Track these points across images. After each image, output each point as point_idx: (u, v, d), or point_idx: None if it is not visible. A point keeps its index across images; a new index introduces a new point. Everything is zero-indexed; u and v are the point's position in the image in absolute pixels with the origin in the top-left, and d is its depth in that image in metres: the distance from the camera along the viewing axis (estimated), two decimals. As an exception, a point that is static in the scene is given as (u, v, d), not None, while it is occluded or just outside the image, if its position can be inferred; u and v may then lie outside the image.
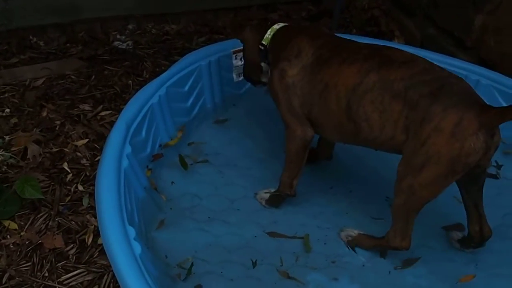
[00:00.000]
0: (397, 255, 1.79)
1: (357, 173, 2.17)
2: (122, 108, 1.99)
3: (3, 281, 1.74)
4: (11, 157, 2.15)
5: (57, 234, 1.90)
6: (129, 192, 1.71)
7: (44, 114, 2.45)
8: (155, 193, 1.94)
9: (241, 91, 2.52)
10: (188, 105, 2.30)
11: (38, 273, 1.78)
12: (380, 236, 1.78)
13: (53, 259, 1.82)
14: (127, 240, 1.47)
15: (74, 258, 1.83)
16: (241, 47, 2.12)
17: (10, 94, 2.56)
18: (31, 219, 1.95)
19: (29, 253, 1.84)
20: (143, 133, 1.99)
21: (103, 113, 2.49)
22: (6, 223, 1.92)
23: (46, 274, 1.78)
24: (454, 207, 1.91)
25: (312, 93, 1.77)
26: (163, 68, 2.77)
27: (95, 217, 1.85)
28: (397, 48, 1.72)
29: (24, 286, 1.74)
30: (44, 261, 1.82)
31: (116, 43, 3.04)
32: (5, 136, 2.28)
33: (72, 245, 1.88)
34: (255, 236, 1.86)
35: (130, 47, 3.01)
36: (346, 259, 1.81)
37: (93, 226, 1.93)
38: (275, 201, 1.97)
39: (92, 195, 2.02)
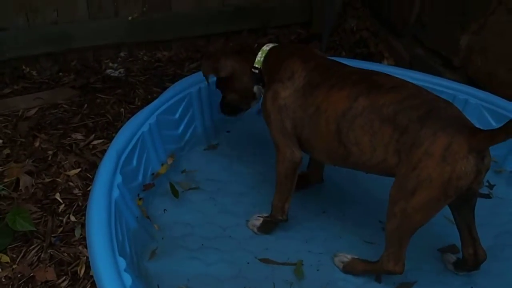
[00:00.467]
0: (392, 279, 1.78)
1: (350, 194, 2.17)
2: (114, 137, 2.00)
3: (-5, 316, 1.73)
4: (3, 188, 2.15)
5: (49, 266, 1.89)
6: (120, 222, 1.70)
7: (37, 144, 2.46)
8: (147, 222, 1.94)
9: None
10: (179, 132, 2.31)
11: (30, 307, 1.77)
12: (374, 260, 1.77)
13: (45, 293, 1.81)
14: (117, 272, 1.47)
15: (66, 291, 1.82)
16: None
17: (3, 124, 2.57)
18: (23, 251, 1.95)
19: (21, 287, 1.83)
20: (134, 162, 1.99)
21: (95, 142, 2.49)
22: (-2, 256, 1.91)
23: (38, 308, 1.76)
24: (446, 227, 1.90)
25: (304, 116, 1.78)
26: (155, 95, 2.78)
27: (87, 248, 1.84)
28: (385, 74, 1.74)
29: (16, 321, 1.73)
30: (36, 294, 1.80)
31: (108, 71, 3.06)
32: (-3, 168, 2.28)
33: (64, 277, 1.87)
34: (248, 263, 1.84)
35: (122, 75, 3.03)
36: (340, 284, 1.79)
37: (85, 257, 1.92)
38: (267, 227, 1.96)
39: (84, 225, 2.00)
